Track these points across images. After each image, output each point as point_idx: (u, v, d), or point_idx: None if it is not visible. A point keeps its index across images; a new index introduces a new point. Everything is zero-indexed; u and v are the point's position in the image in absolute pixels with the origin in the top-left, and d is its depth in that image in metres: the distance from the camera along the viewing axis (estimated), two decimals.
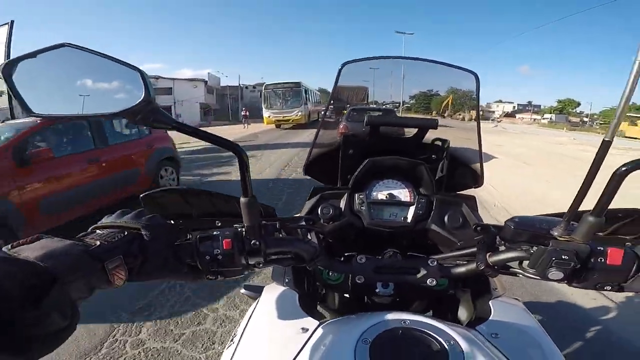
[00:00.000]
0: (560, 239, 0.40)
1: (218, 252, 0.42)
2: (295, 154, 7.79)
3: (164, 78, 29.77)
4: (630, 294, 0.42)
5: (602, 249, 0.41)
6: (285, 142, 10.67)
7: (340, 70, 0.72)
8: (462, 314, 0.63)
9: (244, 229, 0.44)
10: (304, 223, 0.56)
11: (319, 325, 0.47)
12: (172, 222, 0.51)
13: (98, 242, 0.35)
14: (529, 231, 0.45)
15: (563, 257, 0.39)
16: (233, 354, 0.47)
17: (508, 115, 56.60)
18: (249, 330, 0.51)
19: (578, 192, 0.37)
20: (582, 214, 0.38)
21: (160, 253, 0.40)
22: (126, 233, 0.39)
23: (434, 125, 0.70)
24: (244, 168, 0.40)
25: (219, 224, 0.54)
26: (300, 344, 0.44)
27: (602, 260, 0.40)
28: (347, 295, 0.67)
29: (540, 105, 67.17)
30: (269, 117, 16.59)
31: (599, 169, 0.35)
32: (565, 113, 55.49)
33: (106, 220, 0.42)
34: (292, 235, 0.57)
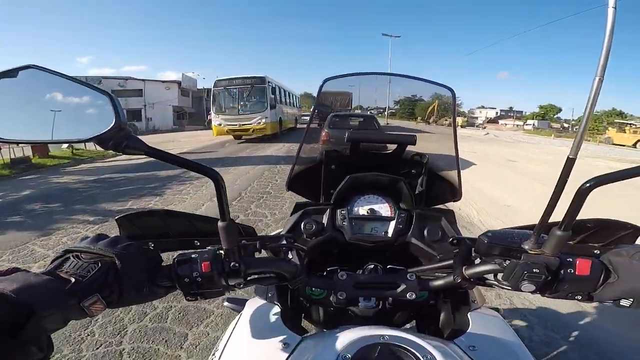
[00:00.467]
0: (531, 252, 0.43)
1: (197, 275, 0.43)
2: (261, 173, 6.09)
3: (135, 79, 28.13)
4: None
5: (571, 260, 0.43)
6: (253, 154, 8.79)
7: (321, 86, 0.76)
8: (443, 326, 0.65)
9: (222, 251, 0.44)
10: (284, 242, 0.57)
11: (300, 341, 0.48)
12: (151, 243, 0.52)
13: (73, 279, 0.36)
14: (501, 245, 0.47)
15: (534, 270, 0.42)
16: None
17: (491, 121, 57.94)
18: (231, 345, 0.51)
19: (546, 206, 0.39)
20: (552, 226, 0.41)
21: (137, 281, 0.41)
22: (100, 265, 0.39)
23: (412, 141, 0.73)
24: (221, 192, 0.40)
25: (198, 244, 0.55)
26: (282, 359, 0.44)
27: (572, 271, 0.43)
28: (332, 308, 0.68)
29: (522, 111, 69.74)
30: (220, 125, 11.61)
31: (565, 184, 0.38)
32: (547, 119, 57.47)
33: (81, 244, 0.42)
34: (274, 253, 0.59)
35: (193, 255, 0.44)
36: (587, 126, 0.37)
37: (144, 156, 0.38)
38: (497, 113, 65.76)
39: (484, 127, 43.80)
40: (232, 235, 0.43)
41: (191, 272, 0.43)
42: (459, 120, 40.98)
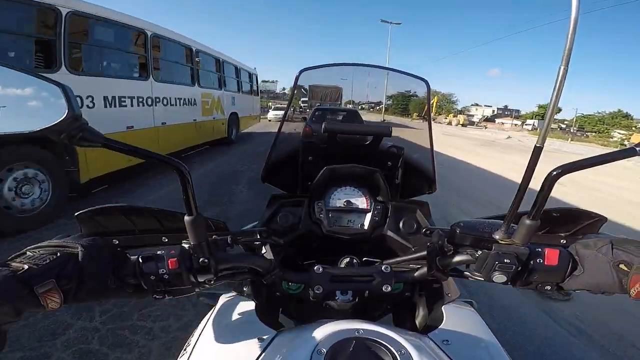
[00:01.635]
0: (502, 242, 0.46)
1: (164, 272, 0.43)
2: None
3: None
4: None
5: (539, 250, 0.46)
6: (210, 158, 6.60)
7: (297, 77, 0.79)
8: (419, 319, 0.68)
9: (191, 246, 0.45)
10: (258, 236, 0.58)
11: (275, 336, 0.50)
12: (115, 240, 0.52)
13: (26, 266, 0.36)
14: (473, 235, 0.50)
15: (505, 260, 0.45)
16: None
17: (488, 119, 58.46)
18: (203, 340, 0.52)
19: (515, 196, 0.42)
20: (521, 216, 0.43)
21: (99, 274, 0.41)
22: (59, 254, 0.39)
23: (387, 133, 0.76)
24: (187, 185, 0.41)
25: (166, 240, 0.55)
26: (255, 354, 0.46)
27: (541, 261, 0.46)
28: (309, 303, 0.71)
29: (519, 110, 71.38)
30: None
31: (532, 173, 0.40)
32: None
33: (40, 244, 0.42)
34: (248, 248, 0.60)
35: (159, 252, 0.44)
36: (552, 115, 0.39)
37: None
38: (493, 111, 66.65)
39: (485, 127, 43.55)
40: (199, 230, 0.44)
41: (157, 269, 0.43)
42: (460, 118, 41.03)
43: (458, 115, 46.63)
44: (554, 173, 0.38)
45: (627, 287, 0.44)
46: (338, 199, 0.74)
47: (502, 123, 56.59)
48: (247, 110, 9.68)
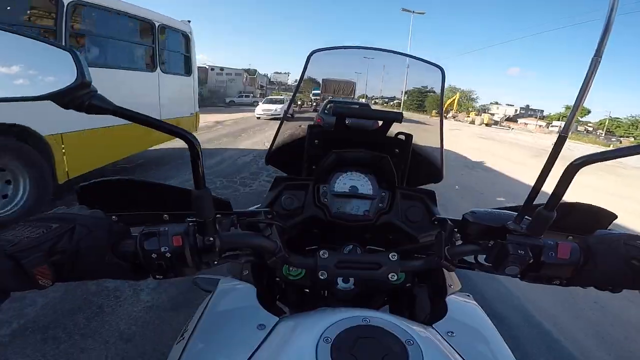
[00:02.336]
0: (516, 233, 0.46)
1: (166, 250, 0.42)
2: None
3: None
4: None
5: (552, 243, 0.46)
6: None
7: (308, 58, 0.79)
8: (419, 310, 0.68)
9: (195, 224, 0.44)
10: (262, 217, 0.58)
11: (278, 322, 0.49)
12: (114, 217, 0.51)
13: (16, 240, 0.34)
14: (485, 225, 0.50)
15: (519, 251, 0.44)
16: (182, 351, 0.48)
17: (509, 119, 56.83)
18: (201, 325, 0.52)
19: (533, 186, 0.42)
20: (536, 207, 0.43)
21: (96, 250, 0.40)
22: (53, 226, 0.38)
23: (399, 118, 0.76)
24: (196, 158, 0.40)
25: (167, 218, 0.55)
26: (258, 341, 0.45)
27: (553, 254, 0.46)
28: (307, 290, 0.72)
29: (542, 110, 69.63)
30: None
31: (554, 162, 0.40)
32: (576, 122, 58.42)
33: (35, 216, 0.40)
34: (251, 229, 0.59)
35: (162, 228, 0.43)
36: (580, 105, 0.39)
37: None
38: (515, 111, 64.85)
39: (510, 128, 41.57)
40: (207, 206, 0.43)
41: (159, 246, 0.42)
42: (485, 117, 39.80)
43: (482, 114, 45.28)
44: (575, 163, 0.38)
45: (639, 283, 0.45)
46: (343, 184, 0.74)
47: (526, 124, 54.94)
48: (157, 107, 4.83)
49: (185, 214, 0.46)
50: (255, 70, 54.18)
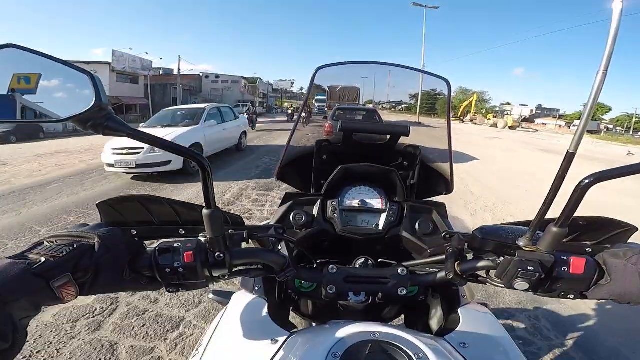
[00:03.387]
0: (526, 249, 0.48)
1: (179, 265, 0.47)
2: None
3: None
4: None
5: (565, 258, 0.49)
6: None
7: (314, 75, 0.84)
8: (433, 321, 0.71)
9: (207, 240, 0.49)
10: (273, 232, 0.63)
11: (289, 337, 0.53)
12: (133, 231, 0.57)
13: (43, 259, 0.39)
14: (495, 241, 0.53)
15: (528, 268, 0.47)
16: None
17: (526, 120, 55.58)
18: (215, 340, 0.56)
19: (544, 202, 0.44)
20: (548, 222, 0.46)
21: (115, 266, 0.45)
22: (75, 246, 0.43)
23: (406, 133, 0.80)
24: (207, 179, 0.45)
25: (183, 232, 0.60)
26: (269, 356, 0.49)
27: (566, 269, 0.48)
28: (321, 302, 0.75)
29: (558, 110, 69.24)
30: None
31: (563, 179, 0.42)
32: (597, 120, 56.18)
33: (58, 232, 0.46)
34: (262, 244, 0.66)
35: (175, 245, 0.48)
36: (588, 120, 0.40)
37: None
38: (531, 111, 64.25)
39: (533, 130, 39.49)
40: (217, 224, 0.48)
41: (173, 262, 0.47)
42: (509, 119, 36.97)
43: (505, 116, 43.48)
44: (586, 182, 0.40)
45: None
46: (353, 199, 0.78)
47: (544, 124, 53.98)
48: None
49: (200, 228, 0.51)
50: (257, 78, 53.31)
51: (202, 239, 0.50)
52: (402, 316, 0.83)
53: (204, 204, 0.48)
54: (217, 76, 43.41)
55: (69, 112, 0.40)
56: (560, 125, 50.28)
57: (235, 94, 41.97)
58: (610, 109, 61.12)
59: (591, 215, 0.59)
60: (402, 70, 0.94)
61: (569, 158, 0.41)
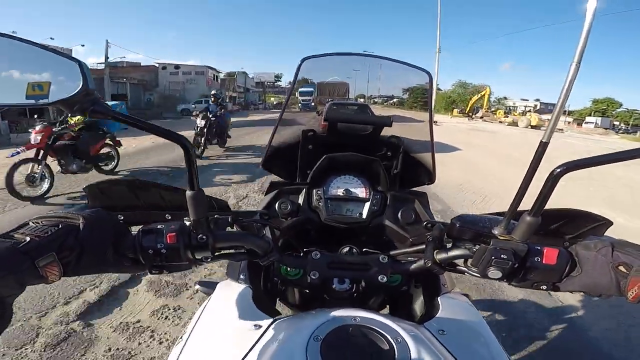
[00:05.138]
0: (501, 237, 0.56)
1: (162, 246, 0.54)
2: None
3: None
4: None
5: (539, 248, 0.56)
6: None
7: (299, 66, 0.94)
8: (415, 310, 0.81)
9: (191, 223, 0.56)
10: (258, 218, 0.71)
11: (272, 323, 0.60)
12: (120, 216, 0.64)
13: (28, 238, 0.44)
14: (472, 229, 0.61)
15: (502, 256, 0.54)
16: (180, 352, 0.58)
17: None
18: (199, 328, 0.63)
19: (517, 192, 0.51)
20: (523, 213, 0.53)
21: (99, 246, 0.51)
22: (60, 226, 0.49)
23: (388, 123, 0.91)
24: (190, 161, 0.51)
25: (169, 217, 0.67)
26: (252, 341, 0.56)
27: (539, 259, 0.56)
28: (307, 291, 0.84)
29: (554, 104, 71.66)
30: None
31: (536, 169, 0.49)
32: (609, 116, 55.66)
33: (44, 214, 0.52)
34: (248, 230, 0.73)
35: (159, 226, 0.55)
36: (561, 111, 0.47)
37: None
38: (535, 106, 64.44)
39: (559, 129, 36.58)
40: (200, 206, 0.54)
41: (156, 243, 0.53)
42: (533, 117, 34.03)
43: (528, 114, 42.35)
44: (558, 170, 0.46)
45: (625, 289, 0.52)
46: (337, 188, 0.88)
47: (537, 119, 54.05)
48: None
49: (185, 213, 0.57)
50: (242, 72, 50.39)
51: (187, 222, 0.57)
52: (387, 307, 0.93)
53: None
54: (176, 67, 38.74)
55: (57, 96, 0.47)
56: (569, 122, 49.60)
57: (201, 87, 37.86)
58: (620, 105, 61.31)
59: (568, 208, 0.67)
60: (393, 64, 1.04)
61: (542, 148, 0.48)
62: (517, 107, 61.92)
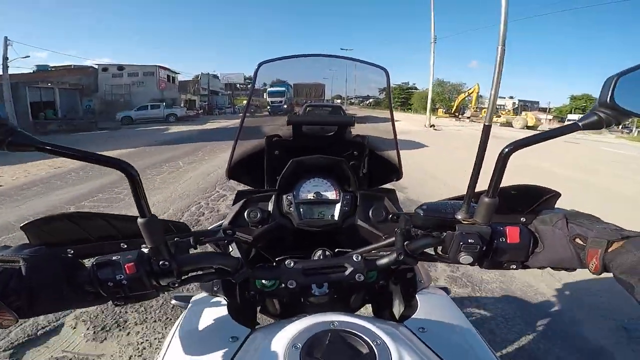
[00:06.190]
0: (464, 222, 0.61)
1: (122, 277, 0.54)
2: None
3: None
4: None
5: (501, 229, 0.61)
6: None
7: (257, 71, 0.98)
8: (395, 308, 0.87)
9: (149, 250, 0.57)
10: (222, 235, 0.74)
11: (250, 333, 0.64)
12: (69, 250, 0.65)
13: None
14: (436, 217, 0.66)
15: (469, 240, 0.60)
16: None
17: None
18: (175, 342, 0.66)
19: (471, 175, 0.56)
20: (480, 194, 0.58)
21: (51, 285, 0.52)
22: (1, 270, 0.48)
23: (351, 122, 0.98)
24: (137, 187, 0.51)
25: (125, 247, 0.68)
26: (230, 354, 0.59)
27: (503, 239, 0.61)
28: (285, 299, 0.88)
29: (538, 102, 71.37)
30: None
31: (484, 151, 0.55)
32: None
33: None
34: (216, 247, 0.77)
35: (114, 258, 0.55)
36: (496, 95, 0.58)
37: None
38: (514, 104, 66.24)
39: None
40: (156, 232, 0.55)
41: (114, 275, 0.54)
42: (530, 117, 33.76)
43: (524, 113, 40.68)
44: (506, 150, 0.52)
45: (585, 261, 0.56)
46: (307, 191, 0.93)
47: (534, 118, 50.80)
48: None
49: (142, 240, 0.58)
50: (213, 75, 46.83)
51: (145, 250, 0.57)
52: (369, 306, 0.99)
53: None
54: (120, 67, 33.98)
55: None
56: (550, 119, 49.08)
57: (151, 90, 34.06)
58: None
59: (520, 184, 0.74)
60: (366, 66, 1.10)
61: (486, 131, 0.53)
62: (505, 105, 60.77)
